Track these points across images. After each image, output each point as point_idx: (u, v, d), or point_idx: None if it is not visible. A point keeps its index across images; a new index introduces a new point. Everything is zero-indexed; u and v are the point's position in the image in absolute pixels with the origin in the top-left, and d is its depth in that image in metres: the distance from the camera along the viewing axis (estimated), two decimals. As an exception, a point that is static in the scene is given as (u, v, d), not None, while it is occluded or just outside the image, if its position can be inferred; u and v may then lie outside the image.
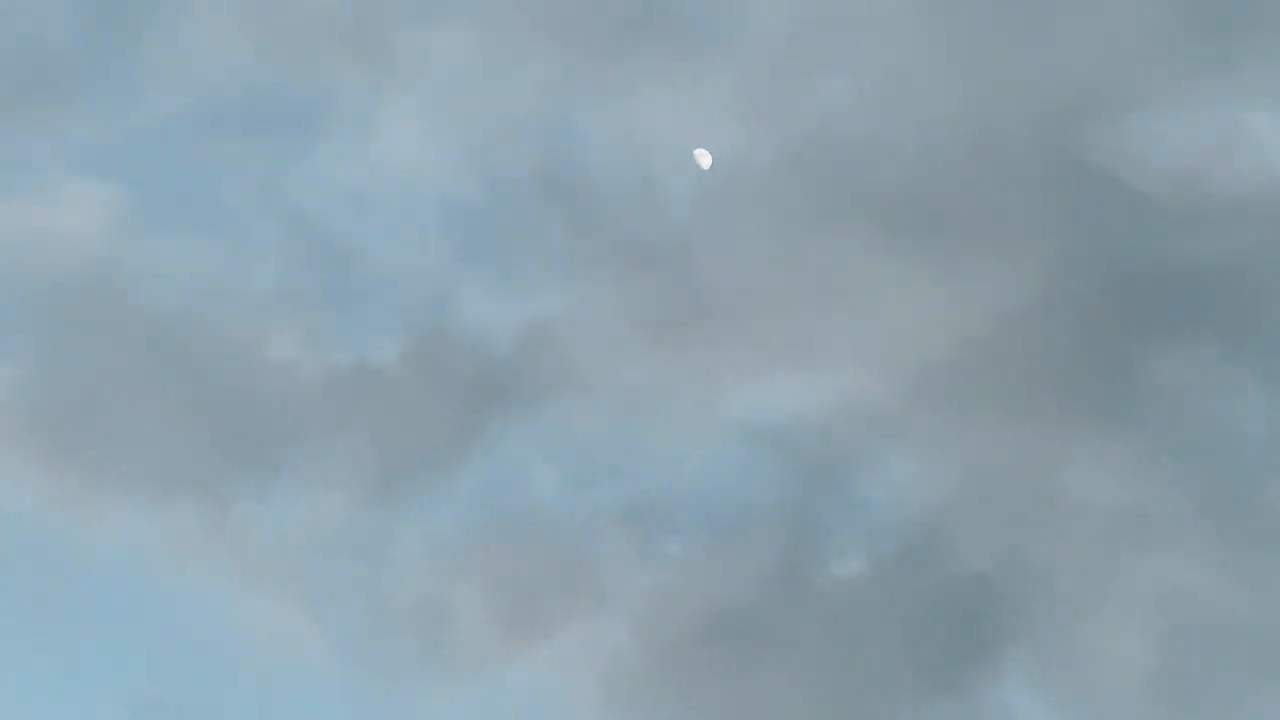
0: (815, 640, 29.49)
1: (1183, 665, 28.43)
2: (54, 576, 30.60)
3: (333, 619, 30.37)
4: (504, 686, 29.79)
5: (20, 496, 31.13)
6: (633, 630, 30.03)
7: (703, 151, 32.46)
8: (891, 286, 32.05)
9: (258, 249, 33.83)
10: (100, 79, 34.50)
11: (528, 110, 34.25)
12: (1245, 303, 31.05)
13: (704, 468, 31.66)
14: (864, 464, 31.15)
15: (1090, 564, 29.32)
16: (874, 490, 31.02)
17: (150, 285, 33.32)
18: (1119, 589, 29.09)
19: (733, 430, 31.82)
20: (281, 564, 30.96)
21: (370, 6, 34.27)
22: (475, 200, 34.04)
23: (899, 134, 33.27)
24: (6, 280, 33.20)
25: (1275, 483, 29.60)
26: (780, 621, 29.73)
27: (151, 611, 30.57)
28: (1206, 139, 32.71)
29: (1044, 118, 33.01)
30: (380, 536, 31.17)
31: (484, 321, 33.02)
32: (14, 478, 31.39)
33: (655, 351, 32.51)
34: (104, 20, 34.69)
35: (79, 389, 32.42)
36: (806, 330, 32.28)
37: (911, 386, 31.20)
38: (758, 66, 34.24)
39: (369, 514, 31.30)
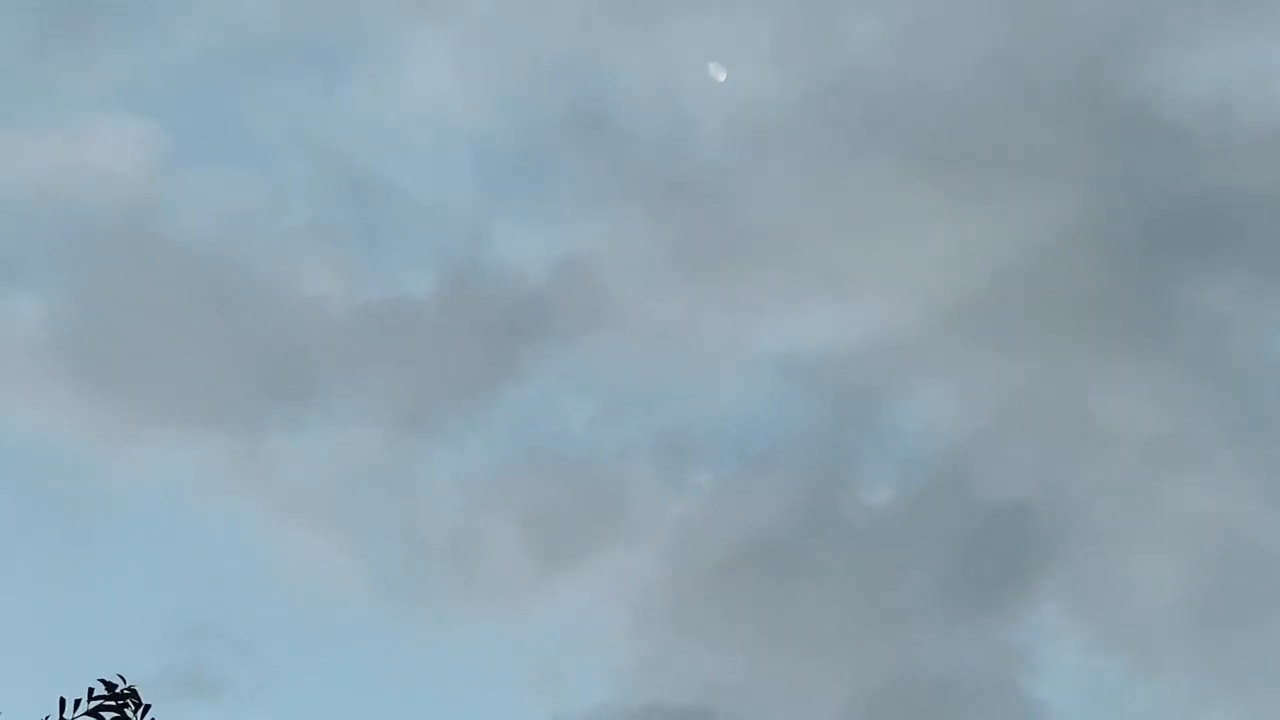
0: (846, 569, 29.50)
1: (1218, 589, 28.39)
2: (91, 509, 30.76)
3: (366, 550, 30.49)
4: (536, 616, 29.88)
5: (57, 430, 31.32)
6: (664, 560, 30.08)
7: (718, 66, 32.40)
8: (923, 219, 32.01)
9: (291, 185, 33.96)
10: (134, 18, 34.62)
11: (559, 46, 34.27)
12: (1277, 231, 30.93)
13: (736, 399, 31.73)
14: (896, 394, 31.19)
15: (1125, 490, 29.29)
16: (906, 420, 31.06)
17: (184, 221, 33.47)
18: (1154, 515, 29.06)
19: (764, 362, 31.89)
20: (315, 496, 31.12)
21: (401, -59, 34.29)
22: (507, 135, 34.11)
23: (930, 69, 33.17)
24: (42, 216, 33.40)
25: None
26: (811, 550, 29.75)
27: (188, 542, 30.76)
28: (1238, 71, 32.54)
29: (1075, 51, 32.87)
30: (413, 469, 31.30)
31: (517, 256, 33.08)
32: (51, 411, 31.57)
33: (687, 285, 32.56)
34: (137, -41, 34.77)
35: (114, 324, 32.60)
36: (838, 263, 32.30)
37: (944, 317, 31.19)
38: (790, 2, 34.16)
39: (402, 447, 31.42)
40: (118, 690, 12.64)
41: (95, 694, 12.66)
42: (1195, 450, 29.46)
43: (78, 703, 12.69)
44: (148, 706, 12.70)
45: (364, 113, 34.26)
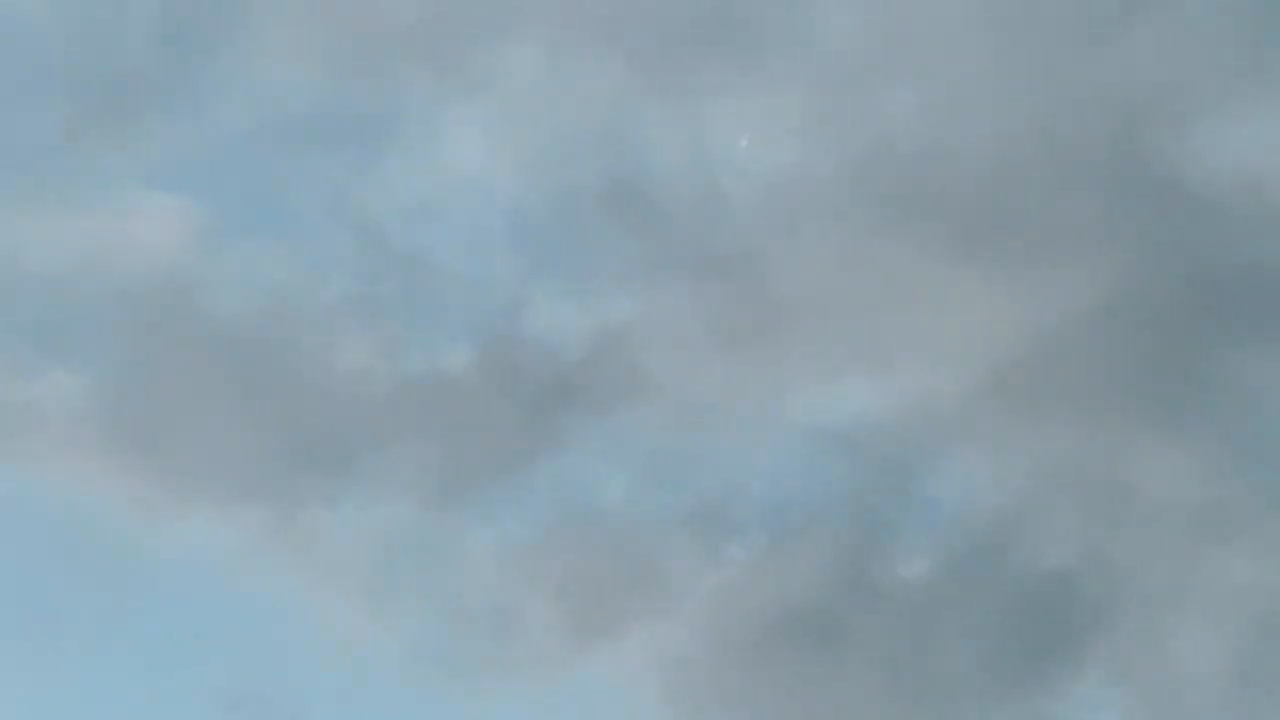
0: (884, 640, 29.46)
1: (1263, 659, 28.27)
2: (130, 582, 30.93)
3: (402, 623, 30.59)
4: (571, 688, 29.90)
5: (97, 503, 31.49)
6: (700, 633, 30.10)
7: (746, 135, 32.69)
8: (958, 290, 32.10)
9: (329, 259, 34.16)
10: (171, 94, 34.94)
11: (595, 120, 34.50)
12: (1314, 303, 30.98)
13: (770, 470, 31.75)
14: (933, 465, 31.16)
15: (1167, 561, 29.21)
16: (944, 491, 31.02)
17: (223, 296, 33.68)
18: (1197, 585, 28.96)
19: (799, 433, 31.91)
20: (354, 569, 31.23)
21: (438, 17, 34.61)
22: (544, 209, 34.30)
23: (965, 142, 33.35)
24: (82, 292, 33.63)
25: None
26: (849, 622, 29.73)
27: (227, 616, 30.85)
28: (1273, 143, 32.67)
29: (1109, 124, 33.02)
30: (449, 541, 31.39)
31: (553, 329, 33.23)
32: (90, 485, 31.76)
33: (723, 357, 32.65)
34: (174, 36, 35.15)
35: (153, 398, 32.79)
36: (873, 334, 32.35)
37: (980, 387, 31.21)
38: (824, 77, 34.39)
39: (439, 519, 31.52)
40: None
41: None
42: (1237, 520, 29.44)
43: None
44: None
45: (401, 187, 34.53)
